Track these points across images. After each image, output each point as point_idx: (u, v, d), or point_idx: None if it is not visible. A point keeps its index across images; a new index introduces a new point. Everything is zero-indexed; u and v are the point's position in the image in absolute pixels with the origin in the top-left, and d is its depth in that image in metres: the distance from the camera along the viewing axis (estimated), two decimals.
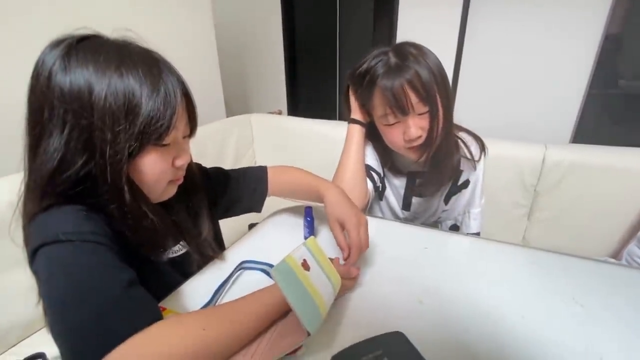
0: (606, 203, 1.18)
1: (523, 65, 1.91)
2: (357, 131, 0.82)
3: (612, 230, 1.19)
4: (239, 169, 0.77)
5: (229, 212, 0.75)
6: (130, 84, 0.41)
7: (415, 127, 0.70)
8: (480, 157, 0.82)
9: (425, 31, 2.23)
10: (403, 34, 2.17)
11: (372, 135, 0.84)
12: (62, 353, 0.34)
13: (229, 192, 0.73)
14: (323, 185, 0.68)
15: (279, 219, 0.83)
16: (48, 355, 0.72)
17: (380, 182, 0.88)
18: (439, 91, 0.69)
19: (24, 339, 0.88)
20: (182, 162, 0.50)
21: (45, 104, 0.41)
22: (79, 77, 0.41)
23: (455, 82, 2.04)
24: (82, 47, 0.42)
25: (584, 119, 1.87)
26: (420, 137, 0.71)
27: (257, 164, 1.74)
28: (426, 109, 0.69)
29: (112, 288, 0.37)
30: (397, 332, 0.41)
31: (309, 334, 0.40)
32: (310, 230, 0.72)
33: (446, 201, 0.87)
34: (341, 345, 0.44)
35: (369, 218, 0.84)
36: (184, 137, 0.51)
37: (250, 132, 1.76)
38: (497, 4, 1.87)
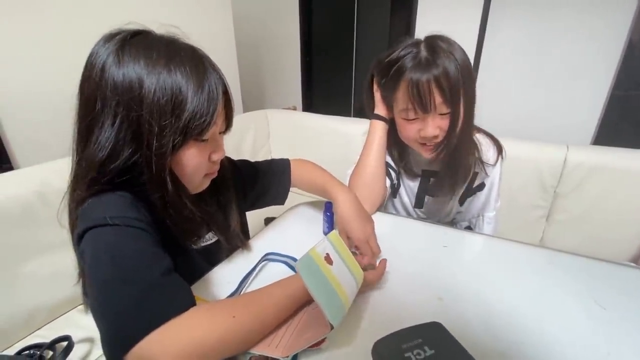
0: (627, 206, 1.15)
1: (544, 64, 1.88)
2: (380, 128, 0.81)
3: (632, 234, 1.16)
4: (264, 161, 0.78)
5: (257, 204, 0.77)
6: (178, 80, 0.43)
7: (433, 127, 0.69)
8: (497, 161, 0.79)
9: (445, 28, 2.20)
10: (422, 29, 2.15)
11: (393, 130, 0.82)
12: (101, 331, 0.36)
13: (257, 184, 0.74)
14: (335, 190, 0.69)
15: (299, 212, 0.84)
16: (73, 338, 0.75)
17: (396, 180, 0.88)
18: (464, 91, 0.67)
19: (49, 322, 0.91)
20: (218, 156, 0.52)
21: (98, 95, 0.43)
22: (131, 71, 0.42)
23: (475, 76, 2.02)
24: (135, 42, 0.44)
25: (606, 120, 1.82)
26: (436, 137, 0.70)
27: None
28: (448, 110, 0.67)
29: (153, 273, 0.39)
30: (436, 322, 0.41)
31: (332, 327, 0.41)
32: (330, 225, 0.73)
33: (461, 202, 0.86)
34: (363, 341, 0.45)
35: (386, 215, 0.85)
36: (220, 133, 0.54)
37: (267, 128, 1.78)
38: (519, 5, 1.84)
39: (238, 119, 1.68)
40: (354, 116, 2.45)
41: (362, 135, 1.47)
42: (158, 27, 0.48)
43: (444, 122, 0.69)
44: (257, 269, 0.60)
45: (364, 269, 0.54)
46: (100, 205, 0.43)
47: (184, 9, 1.64)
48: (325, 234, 0.73)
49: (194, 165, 0.49)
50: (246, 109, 2.21)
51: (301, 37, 2.77)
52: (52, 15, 1.17)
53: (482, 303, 0.53)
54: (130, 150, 0.44)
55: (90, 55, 0.44)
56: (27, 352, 0.73)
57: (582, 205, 1.20)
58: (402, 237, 0.73)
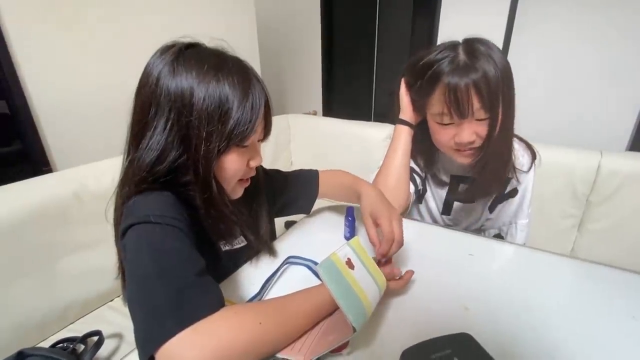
0: None
1: (576, 66, 1.80)
2: (405, 133, 0.80)
3: None
4: (293, 172, 0.81)
5: (284, 212, 0.79)
6: (225, 90, 0.47)
7: (470, 132, 0.66)
8: (530, 167, 0.77)
9: (468, 33, 2.15)
10: (444, 35, 2.12)
11: (420, 134, 0.80)
12: (135, 323, 0.37)
13: (286, 192, 0.77)
14: (361, 184, 0.69)
15: (320, 217, 0.84)
16: (104, 333, 0.79)
17: (422, 185, 0.87)
18: (503, 96, 0.64)
19: (81, 317, 0.96)
20: (255, 163, 0.55)
21: (153, 101, 0.47)
22: (184, 81, 0.46)
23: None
24: (188, 55, 0.48)
25: None
26: (472, 142, 0.68)
27: (293, 164, 1.80)
28: (486, 115, 0.65)
29: (189, 272, 0.40)
30: (465, 333, 0.40)
31: (354, 330, 0.41)
32: (351, 230, 0.73)
33: (491, 209, 0.83)
34: (386, 348, 0.44)
35: (410, 221, 0.84)
36: (259, 141, 0.56)
37: (288, 133, 1.80)
38: (548, 5, 1.77)
39: None
40: (374, 121, 2.44)
41: (382, 140, 1.46)
42: (209, 40, 0.53)
43: (481, 128, 0.66)
44: (280, 272, 0.61)
45: (387, 278, 0.53)
46: (145, 204, 0.46)
47: (210, 17, 1.70)
48: (347, 238, 0.73)
49: (235, 169, 0.52)
50: None
51: (322, 42, 2.79)
52: (89, 26, 1.25)
53: (510, 315, 0.51)
54: (178, 153, 0.47)
55: (148, 66, 0.49)
56: (61, 345, 0.77)
57: (616, 214, 1.14)
58: (427, 244, 0.72)
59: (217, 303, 0.40)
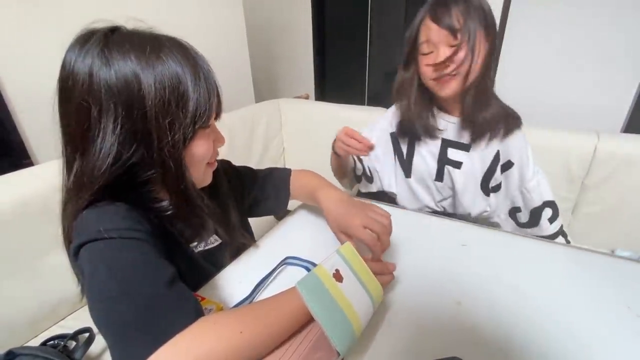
0: None
1: (571, 45, 1.75)
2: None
3: None
4: (265, 169, 0.77)
5: (254, 211, 0.76)
6: (174, 70, 0.42)
7: (444, 55, 0.71)
8: (514, 131, 0.80)
9: None
10: None
11: (418, 91, 0.83)
12: (110, 348, 0.35)
13: (255, 190, 0.74)
14: (320, 194, 0.65)
15: (312, 210, 0.82)
16: (94, 330, 0.77)
17: (408, 153, 0.89)
18: (481, 30, 0.70)
19: (72, 313, 0.94)
20: (221, 143, 0.53)
21: (92, 101, 0.40)
22: (124, 69, 0.40)
23: (496, 62, 1.91)
24: (117, 40, 0.41)
25: (639, 106, 1.70)
26: (448, 66, 0.72)
27: (285, 150, 1.77)
28: (456, 42, 0.70)
29: (154, 285, 0.37)
30: (455, 358, 0.39)
31: (339, 355, 0.38)
32: None
33: (485, 190, 0.83)
34: (376, 351, 0.43)
35: (403, 210, 0.82)
36: (215, 119, 0.52)
37: (279, 118, 1.75)
38: None
39: (250, 109, 1.67)
40: (367, 104, 2.38)
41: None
42: (126, 20, 0.46)
43: (456, 55, 0.71)
44: (275, 273, 0.59)
45: (380, 273, 0.50)
46: (95, 218, 0.42)
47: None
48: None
49: (203, 154, 0.48)
50: (258, 95, 2.18)
51: (313, 22, 2.69)
52: (68, 14, 1.17)
53: (504, 308, 0.50)
54: (134, 151, 0.42)
55: (68, 63, 0.41)
56: (52, 342, 0.76)
57: (612, 198, 1.13)
58: (419, 234, 0.70)
59: (192, 313, 0.37)
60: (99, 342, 0.81)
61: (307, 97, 2.59)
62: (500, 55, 1.87)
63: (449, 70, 0.72)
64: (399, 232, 0.71)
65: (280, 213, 0.79)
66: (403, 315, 0.50)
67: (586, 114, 1.80)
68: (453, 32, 0.69)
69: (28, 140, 1.13)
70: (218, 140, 0.52)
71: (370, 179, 0.94)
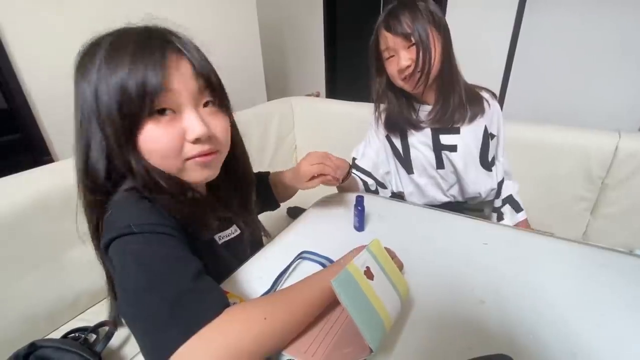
0: None
1: (592, 43, 1.71)
2: None
3: None
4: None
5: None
6: (119, 73, 0.42)
7: (405, 58, 0.78)
8: (490, 105, 0.88)
9: (479, 13, 2.05)
10: (453, 13, 2.02)
11: (395, 91, 0.90)
12: (138, 340, 0.36)
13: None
14: (277, 175, 0.75)
15: (327, 206, 0.82)
16: (121, 321, 0.79)
17: (403, 151, 0.92)
18: (432, 28, 0.76)
19: (91, 306, 0.96)
20: (193, 134, 0.44)
21: (81, 116, 0.45)
22: (84, 85, 0.44)
23: (511, 59, 1.87)
24: (82, 60, 0.45)
25: None
26: (409, 66, 0.79)
27: (298, 147, 1.77)
28: (412, 42, 0.77)
29: (182, 279, 0.38)
30: (505, 355, 0.38)
31: (372, 351, 0.38)
32: (361, 220, 0.70)
33: (485, 165, 0.89)
34: (403, 348, 0.42)
35: (423, 208, 0.81)
36: (204, 107, 0.47)
37: (292, 115, 1.76)
38: None
39: (263, 107, 1.67)
40: None
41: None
42: (142, 19, 0.47)
43: (413, 54, 0.78)
44: (292, 267, 0.59)
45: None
46: (124, 213, 0.43)
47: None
48: (356, 229, 0.71)
49: (159, 147, 0.44)
50: (269, 92, 2.19)
51: (325, 22, 2.69)
52: (89, 16, 1.19)
53: (528, 308, 0.49)
54: (106, 160, 0.45)
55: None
56: (73, 335, 0.78)
57: (633, 198, 1.10)
58: (439, 233, 0.69)
59: (219, 304, 0.38)
60: (118, 336, 0.82)
61: (318, 95, 2.59)
62: (514, 56, 1.84)
63: (411, 69, 0.79)
64: (420, 231, 0.71)
65: (273, 209, 0.85)
66: (427, 313, 0.49)
67: (605, 115, 1.76)
68: (406, 36, 0.77)
69: (49, 138, 1.15)
70: (189, 129, 0.44)
71: (383, 186, 0.97)
